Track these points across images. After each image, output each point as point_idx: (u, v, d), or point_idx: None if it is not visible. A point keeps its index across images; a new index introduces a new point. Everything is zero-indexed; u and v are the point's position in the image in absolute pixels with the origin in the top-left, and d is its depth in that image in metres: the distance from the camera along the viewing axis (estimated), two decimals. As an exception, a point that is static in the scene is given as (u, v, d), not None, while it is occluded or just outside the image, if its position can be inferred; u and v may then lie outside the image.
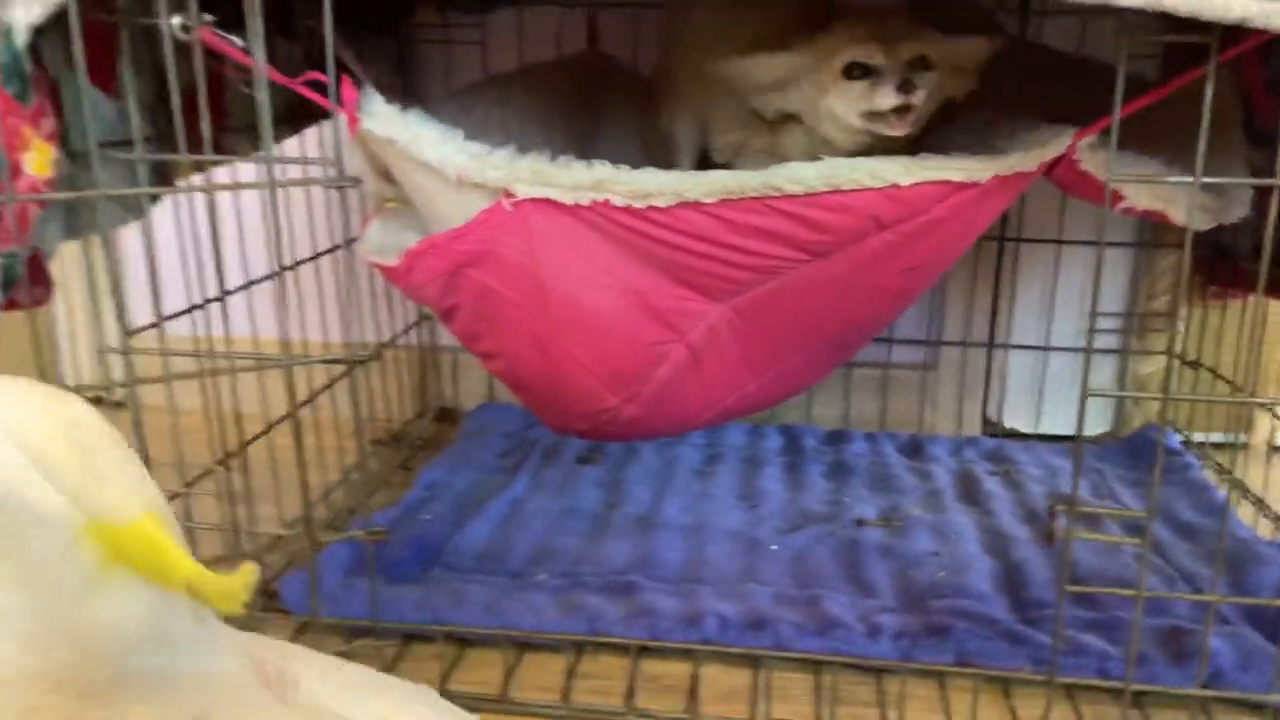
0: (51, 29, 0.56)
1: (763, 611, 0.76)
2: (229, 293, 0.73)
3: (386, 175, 0.70)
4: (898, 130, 0.75)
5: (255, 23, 0.57)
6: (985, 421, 1.22)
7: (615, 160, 1.03)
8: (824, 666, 0.73)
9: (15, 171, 0.58)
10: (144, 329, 0.68)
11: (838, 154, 0.75)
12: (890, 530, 0.92)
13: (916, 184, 0.65)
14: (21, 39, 0.54)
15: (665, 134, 0.97)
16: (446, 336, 1.22)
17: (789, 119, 0.83)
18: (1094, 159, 0.66)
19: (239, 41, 0.60)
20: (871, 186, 0.65)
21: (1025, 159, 0.67)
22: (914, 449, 1.13)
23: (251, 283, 0.83)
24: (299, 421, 0.71)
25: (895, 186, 0.65)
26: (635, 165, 0.67)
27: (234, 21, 0.61)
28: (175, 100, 0.61)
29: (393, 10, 1.10)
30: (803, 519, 0.94)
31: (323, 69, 0.62)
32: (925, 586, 0.81)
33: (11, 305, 0.63)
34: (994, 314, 1.16)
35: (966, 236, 0.74)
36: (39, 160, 0.58)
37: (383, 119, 0.64)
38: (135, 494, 0.35)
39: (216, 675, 0.38)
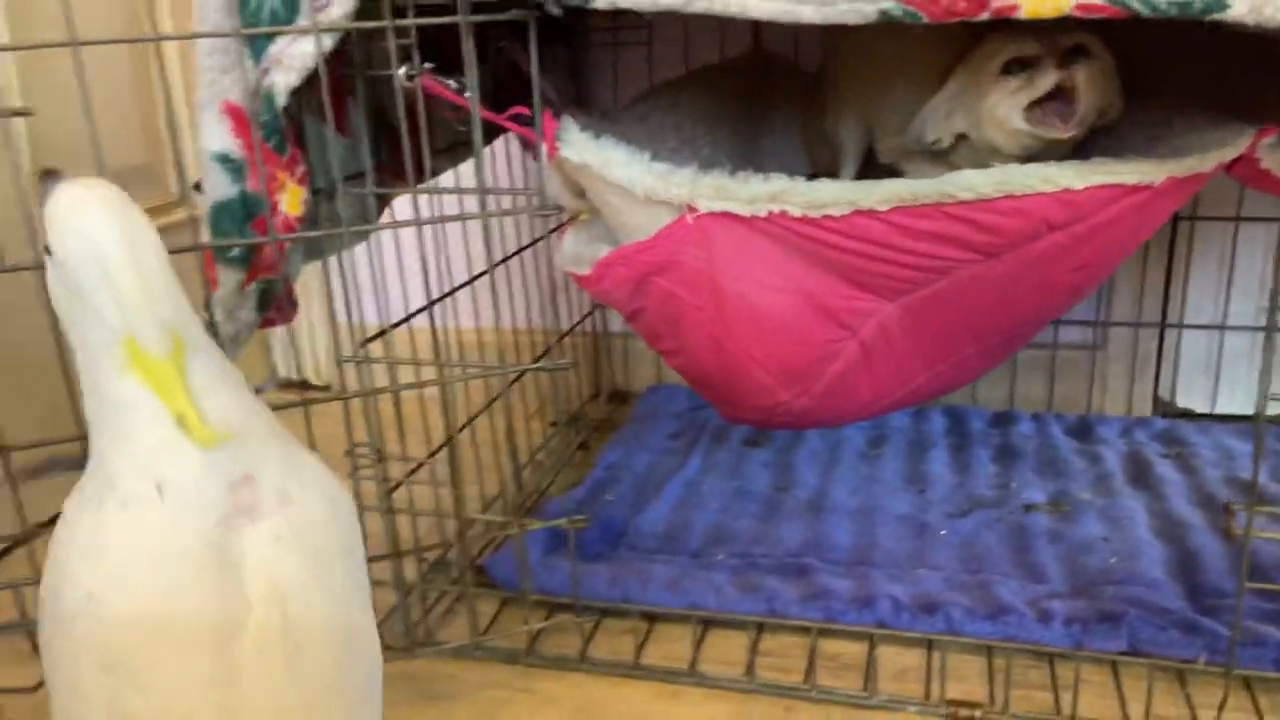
0: (300, 87, 0.64)
1: (934, 595, 0.80)
2: (448, 294, 0.80)
3: (579, 191, 0.76)
4: (1063, 131, 0.76)
5: (472, 75, 0.64)
6: (1157, 401, 1.20)
7: (779, 157, 1.08)
8: (996, 649, 0.77)
9: (274, 211, 0.67)
10: (375, 337, 0.77)
11: (1006, 162, 0.76)
12: (1059, 515, 0.94)
13: (1089, 188, 0.66)
14: (281, 100, 0.63)
15: (830, 135, 1.00)
16: (617, 322, 1.29)
17: (958, 138, 0.84)
18: (1276, 158, 0.66)
19: (454, 84, 0.68)
20: (1044, 191, 0.66)
21: (1202, 160, 0.67)
22: (1082, 431, 1.13)
23: (466, 282, 0.90)
24: (509, 416, 0.78)
25: (1068, 190, 0.66)
26: (798, 162, 0.70)
27: (445, 63, 0.68)
28: (406, 142, 0.68)
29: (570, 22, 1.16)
30: (970, 503, 0.97)
31: (513, 89, 0.68)
32: (1096, 572, 0.83)
33: (268, 323, 0.73)
34: (1167, 293, 1.15)
35: (1139, 235, 0.75)
36: (292, 200, 0.67)
37: (578, 146, 0.70)
38: (168, 326, 0.45)
39: None
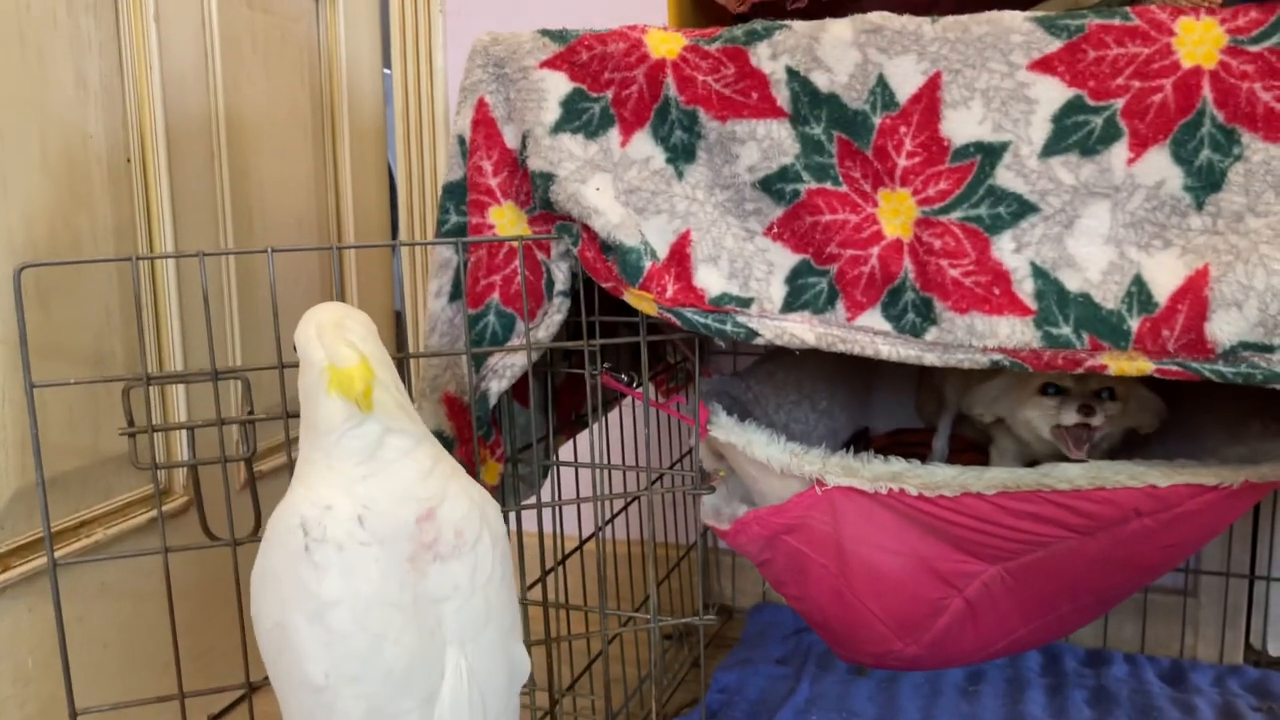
0: (505, 386, 0.79)
1: None
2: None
3: (720, 456, 0.89)
4: (1075, 454, 0.88)
5: (644, 376, 0.78)
6: (1248, 649, 1.25)
7: (888, 408, 1.20)
8: None
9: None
10: (535, 583, 0.88)
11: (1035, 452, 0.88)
12: (1155, 769, 0.99)
13: (1173, 485, 0.75)
14: (493, 402, 0.77)
15: (936, 389, 1.12)
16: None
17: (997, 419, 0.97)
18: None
19: (624, 378, 0.82)
20: (1132, 486, 0.75)
21: (1275, 470, 0.77)
22: (1175, 677, 1.18)
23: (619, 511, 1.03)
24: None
25: (1154, 487, 0.75)
26: (905, 413, 0.81)
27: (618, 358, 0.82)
28: (597, 436, 0.82)
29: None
30: (1068, 751, 1.02)
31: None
32: (1192, 835, 0.88)
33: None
34: (1254, 545, 1.21)
35: (1224, 521, 0.84)
36: (489, 472, 0.80)
37: (725, 428, 0.83)
38: (357, 356, 0.58)
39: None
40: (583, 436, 1.03)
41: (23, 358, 0.66)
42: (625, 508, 1.04)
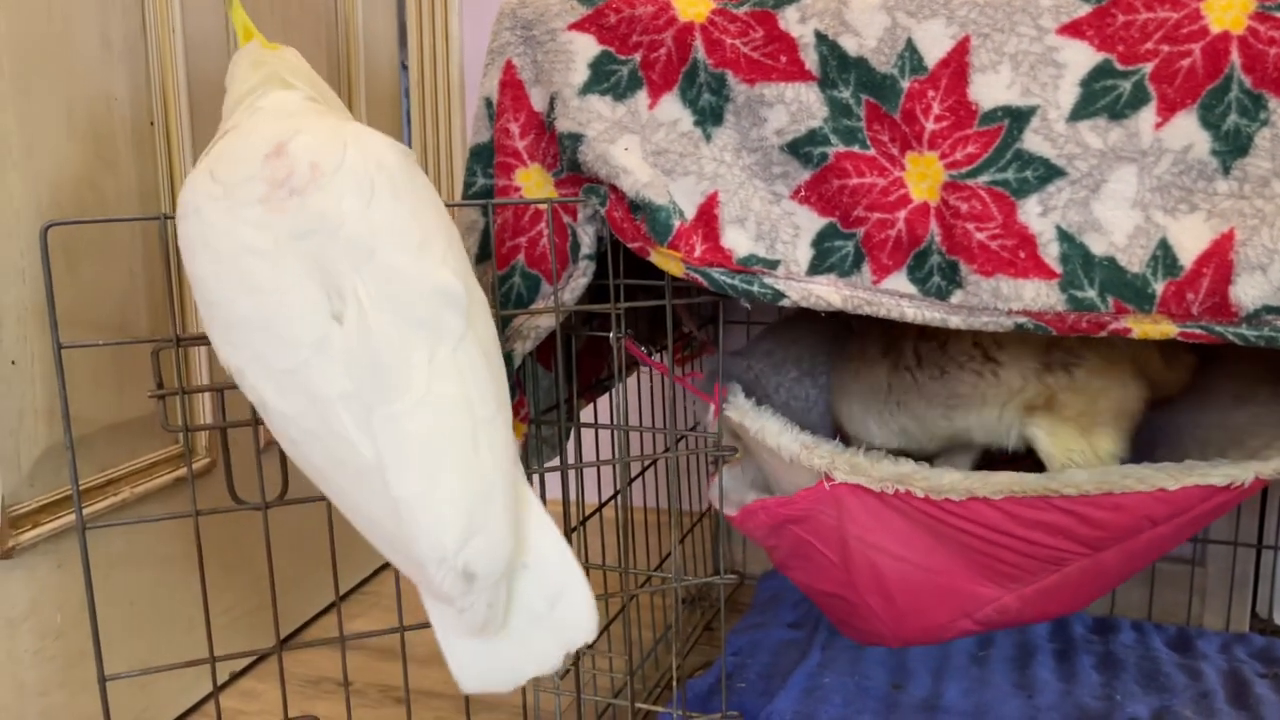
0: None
1: (1048, 806, 0.87)
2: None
3: (735, 435, 0.89)
4: None
5: (669, 340, 0.78)
6: (1254, 617, 1.26)
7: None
8: None
9: (496, 440, 0.81)
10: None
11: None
12: (1163, 731, 1.00)
13: (1183, 488, 0.74)
14: (518, 364, 0.78)
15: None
16: (739, 509, 1.41)
17: None
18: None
19: (643, 353, 0.82)
20: (1141, 490, 0.74)
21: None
22: (1182, 644, 1.20)
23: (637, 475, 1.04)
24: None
25: (1163, 490, 0.74)
26: None
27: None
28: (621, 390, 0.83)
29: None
30: (1078, 713, 1.04)
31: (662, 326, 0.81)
32: (1200, 794, 0.89)
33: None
34: (1262, 515, 1.23)
35: (1232, 509, 0.84)
36: (515, 434, 0.81)
37: (740, 410, 0.84)
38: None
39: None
40: (602, 401, 1.04)
41: (50, 319, 0.66)
42: (646, 469, 1.05)
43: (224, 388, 0.67)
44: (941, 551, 0.81)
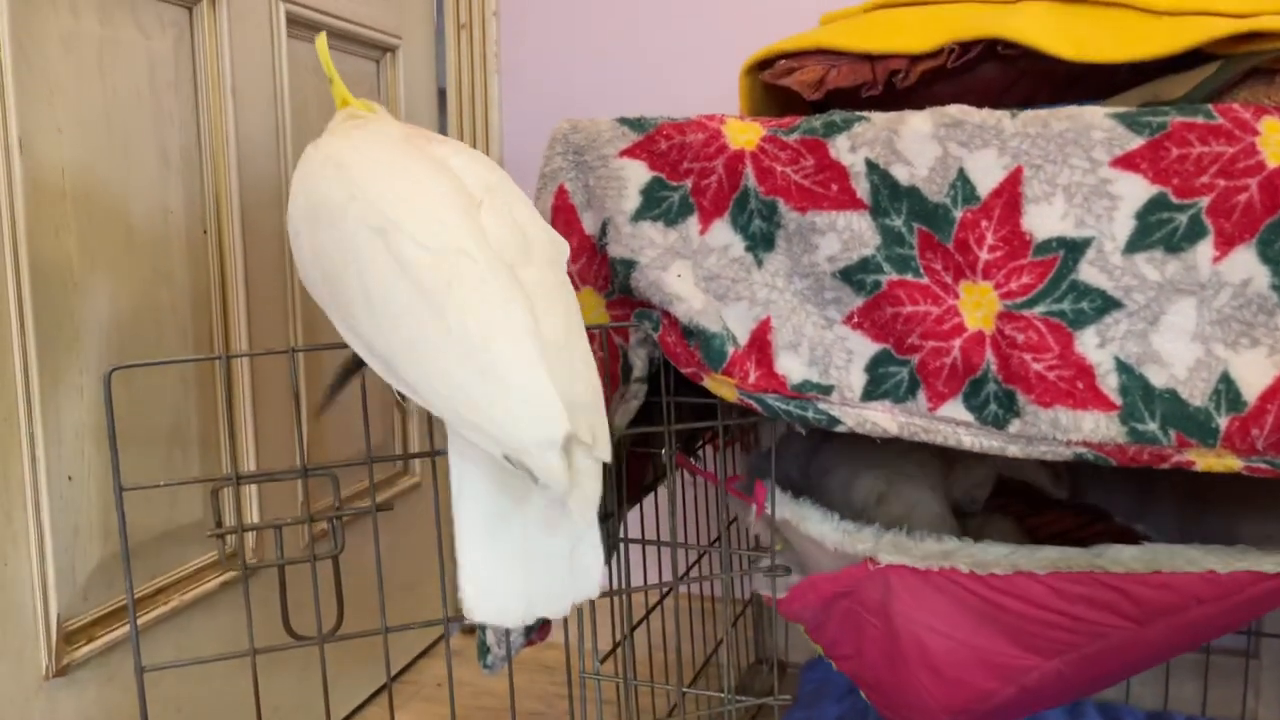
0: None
1: None
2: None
3: (775, 529, 0.89)
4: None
5: (721, 465, 0.78)
6: (1313, 713, 1.23)
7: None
8: None
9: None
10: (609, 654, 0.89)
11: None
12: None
13: (1233, 572, 0.73)
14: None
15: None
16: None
17: None
18: None
19: (695, 464, 0.82)
20: (1190, 571, 0.73)
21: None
22: (1239, 743, 1.17)
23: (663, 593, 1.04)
24: None
25: (1213, 573, 0.73)
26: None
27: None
28: (673, 512, 0.83)
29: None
30: (1136, 823, 1.02)
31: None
32: None
33: (530, 644, 0.86)
34: (1319, 609, 1.20)
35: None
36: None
37: (781, 505, 0.83)
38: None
39: None
40: (648, 505, 1.04)
41: (113, 461, 0.67)
42: (690, 571, 1.04)
43: (279, 525, 0.68)
44: (987, 629, 0.80)
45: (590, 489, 0.57)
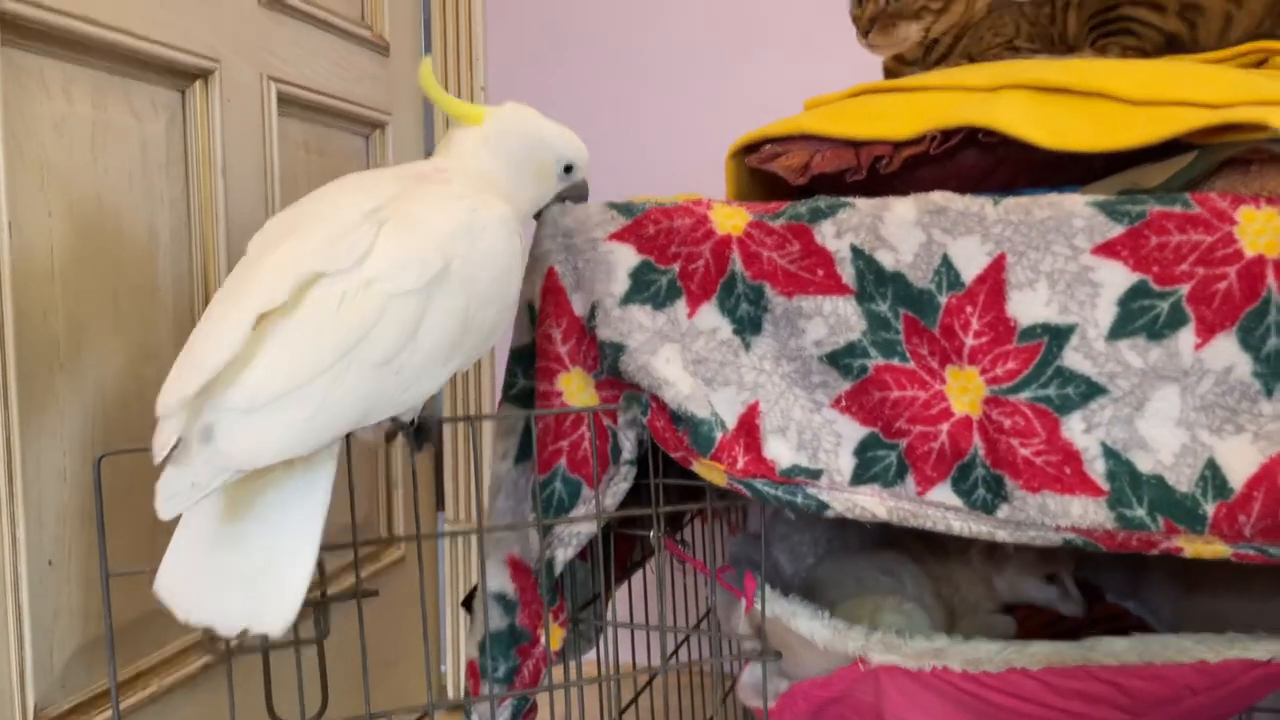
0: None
1: None
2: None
3: (759, 631, 0.87)
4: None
5: (715, 549, 0.78)
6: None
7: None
8: None
9: (535, 643, 0.80)
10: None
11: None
12: None
13: (1224, 661, 0.72)
14: (559, 570, 0.78)
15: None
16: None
17: None
18: None
19: (684, 551, 0.82)
20: (1181, 661, 0.73)
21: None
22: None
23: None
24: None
25: (1204, 662, 0.72)
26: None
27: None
28: (662, 597, 0.82)
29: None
30: None
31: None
32: None
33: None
34: (1311, 683, 1.19)
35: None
36: (554, 637, 0.80)
37: (770, 601, 0.82)
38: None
39: None
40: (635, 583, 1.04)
41: (100, 546, 0.67)
42: (670, 659, 1.03)
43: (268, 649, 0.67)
44: None
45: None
